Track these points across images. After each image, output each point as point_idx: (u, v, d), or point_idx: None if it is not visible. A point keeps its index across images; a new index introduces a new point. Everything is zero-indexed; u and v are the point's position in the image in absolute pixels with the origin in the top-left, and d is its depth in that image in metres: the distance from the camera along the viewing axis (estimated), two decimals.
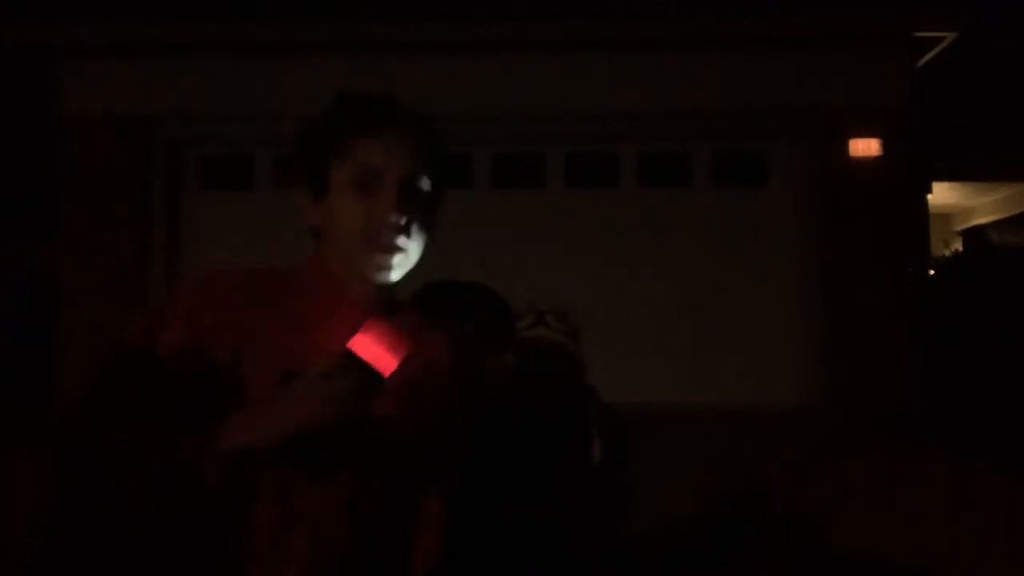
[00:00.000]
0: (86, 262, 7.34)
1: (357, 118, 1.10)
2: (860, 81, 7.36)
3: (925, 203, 8.68)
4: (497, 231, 7.52)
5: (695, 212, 7.65)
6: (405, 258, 1.10)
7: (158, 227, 7.53)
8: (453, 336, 1.62)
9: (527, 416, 1.83)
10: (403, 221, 1.07)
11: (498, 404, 1.70)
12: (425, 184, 1.11)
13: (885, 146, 7.27)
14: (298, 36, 7.43)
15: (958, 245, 10.11)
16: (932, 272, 8.53)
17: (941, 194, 9.42)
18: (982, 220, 10.92)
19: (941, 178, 8.94)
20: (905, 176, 7.38)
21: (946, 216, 11.13)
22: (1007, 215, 10.41)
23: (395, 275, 1.11)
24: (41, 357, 7.40)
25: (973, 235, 10.89)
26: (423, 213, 1.11)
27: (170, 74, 7.51)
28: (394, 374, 0.99)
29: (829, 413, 6.85)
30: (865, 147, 7.29)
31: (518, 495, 1.70)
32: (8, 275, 8.31)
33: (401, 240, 1.08)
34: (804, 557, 3.48)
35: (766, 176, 7.76)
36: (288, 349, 1.03)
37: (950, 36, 7.41)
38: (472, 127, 7.50)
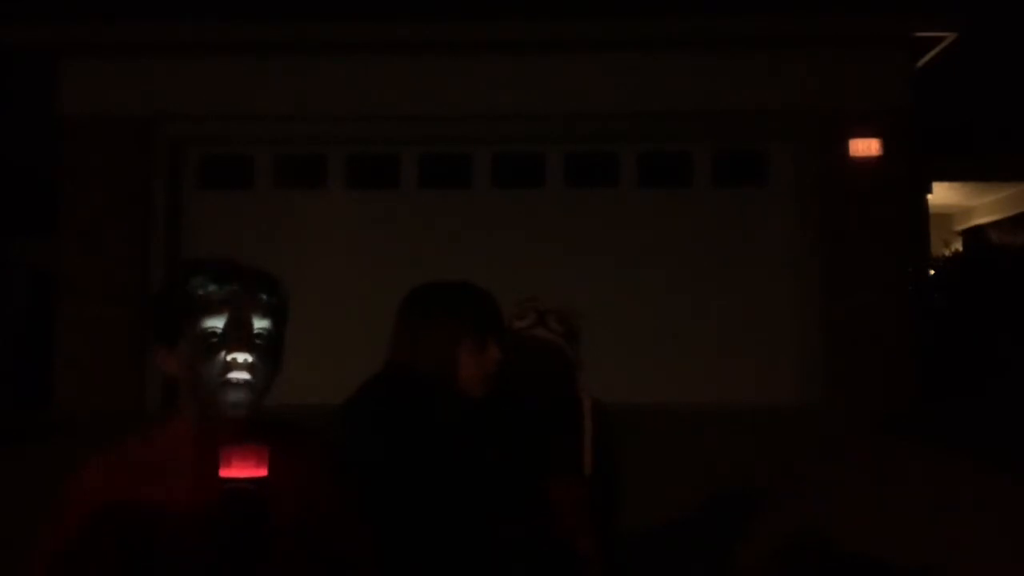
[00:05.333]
0: (86, 262, 7.34)
1: (204, 277, 1.24)
2: (860, 81, 7.36)
3: (925, 203, 8.67)
4: (497, 231, 7.52)
5: (695, 212, 7.66)
6: (253, 393, 1.21)
7: (158, 227, 7.53)
8: (444, 336, 1.63)
9: (520, 415, 1.84)
10: (249, 359, 1.20)
11: (489, 403, 1.71)
12: (267, 326, 1.25)
13: (885, 146, 7.28)
14: (298, 36, 7.43)
15: (958, 245, 10.10)
16: (932, 272, 8.52)
17: (941, 194, 9.41)
18: (982, 220, 10.91)
19: (941, 178, 8.93)
20: (905, 176, 7.38)
21: (946, 216, 11.12)
22: (1007, 215, 10.40)
23: (246, 410, 1.21)
24: (41, 357, 7.40)
25: (973, 235, 10.88)
26: (268, 351, 1.24)
27: (170, 74, 7.52)
28: (271, 478, 1.10)
29: (830, 412, 6.85)
30: (865, 147, 7.29)
31: (513, 492, 1.70)
32: (9, 275, 8.31)
33: (247, 376, 1.20)
34: (804, 556, 3.49)
35: (766, 176, 7.77)
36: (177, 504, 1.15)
37: (950, 36, 7.41)
38: (472, 127, 7.51)
